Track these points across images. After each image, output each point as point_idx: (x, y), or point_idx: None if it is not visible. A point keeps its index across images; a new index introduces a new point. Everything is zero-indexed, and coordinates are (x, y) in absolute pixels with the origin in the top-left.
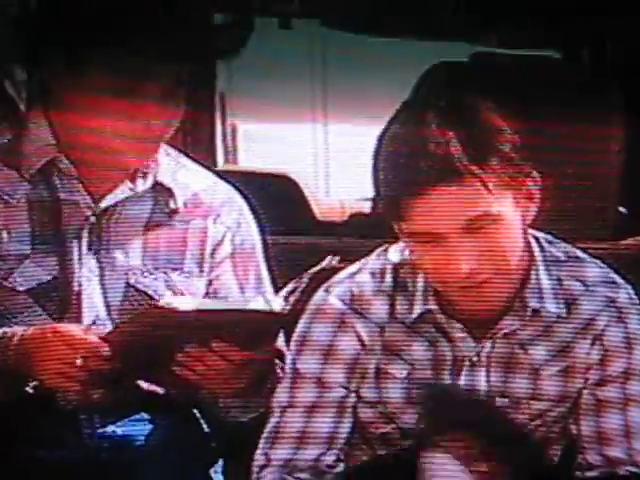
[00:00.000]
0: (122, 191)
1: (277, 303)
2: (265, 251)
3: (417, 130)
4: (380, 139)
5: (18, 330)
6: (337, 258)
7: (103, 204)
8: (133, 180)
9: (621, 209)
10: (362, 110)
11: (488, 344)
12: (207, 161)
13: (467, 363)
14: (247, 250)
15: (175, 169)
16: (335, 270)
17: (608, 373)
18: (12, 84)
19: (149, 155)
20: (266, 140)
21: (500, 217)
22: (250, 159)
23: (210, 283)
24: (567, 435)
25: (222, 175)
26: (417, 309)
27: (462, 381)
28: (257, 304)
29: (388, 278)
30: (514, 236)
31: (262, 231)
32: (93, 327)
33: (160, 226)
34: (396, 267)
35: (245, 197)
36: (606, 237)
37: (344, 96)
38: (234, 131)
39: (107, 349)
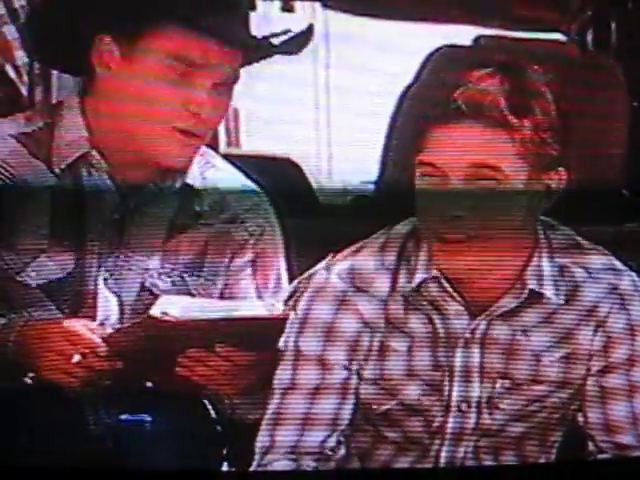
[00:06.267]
0: (150, 190)
1: (277, 308)
2: (287, 255)
3: (456, 75)
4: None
5: (19, 321)
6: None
7: (130, 203)
8: (163, 178)
9: (624, 192)
10: (365, 93)
11: (483, 323)
12: (211, 145)
13: (461, 341)
14: (269, 256)
15: (204, 169)
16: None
17: (612, 360)
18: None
19: (190, 151)
20: (268, 123)
21: (505, 179)
22: (252, 142)
23: (225, 288)
24: (568, 422)
25: (251, 176)
26: (418, 277)
27: (457, 358)
28: (258, 310)
29: (392, 253)
30: (513, 209)
31: (286, 233)
32: (97, 326)
33: (184, 228)
34: (401, 242)
35: (273, 201)
36: (609, 221)
37: (347, 78)
38: (236, 114)
39: (107, 349)
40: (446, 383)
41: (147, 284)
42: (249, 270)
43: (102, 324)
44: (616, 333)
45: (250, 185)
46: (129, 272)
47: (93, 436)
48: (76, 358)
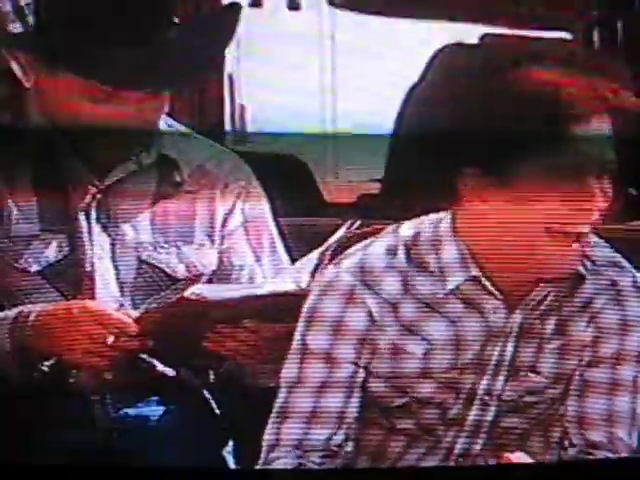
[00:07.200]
0: (127, 166)
1: (305, 281)
2: (275, 216)
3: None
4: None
5: (34, 308)
6: (357, 223)
7: (108, 180)
8: (136, 154)
9: (631, 190)
10: (372, 92)
11: (520, 315)
12: (216, 143)
13: (500, 336)
14: (258, 217)
15: (177, 140)
16: (355, 237)
17: (598, 355)
18: (19, 64)
19: (150, 124)
20: (274, 121)
21: None
22: (258, 141)
23: (223, 254)
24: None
25: (227, 144)
26: (454, 280)
27: (494, 354)
28: (287, 285)
29: (400, 255)
30: None
31: (270, 197)
32: (119, 306)
33: (167, 199)
34: (408, 245)
35: (250, 164)
36: (616, 219)
37: (353, 78)
38: (243, 113)
39: (138, 328)
40: (467, 379)
41: (144, 257)
42: (242, 232)
43: (122, 304)
44: (607, 328)
45: (225, 149)
46: (122, 248)
47: (97, 432)
48: (110, 339)
